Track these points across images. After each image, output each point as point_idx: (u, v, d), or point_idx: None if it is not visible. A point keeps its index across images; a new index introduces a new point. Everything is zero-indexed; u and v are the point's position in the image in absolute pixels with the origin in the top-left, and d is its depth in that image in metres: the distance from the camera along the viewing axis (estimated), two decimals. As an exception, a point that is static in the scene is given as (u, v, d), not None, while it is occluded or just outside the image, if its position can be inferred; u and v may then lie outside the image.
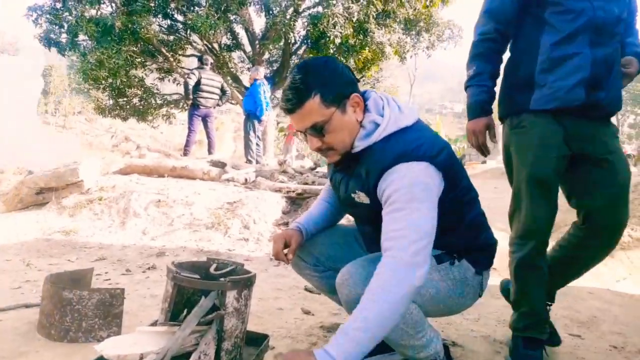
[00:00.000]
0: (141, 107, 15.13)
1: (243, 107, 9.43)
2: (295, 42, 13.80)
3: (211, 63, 9.59)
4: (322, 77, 1.44)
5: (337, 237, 1.84)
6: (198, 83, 8.46)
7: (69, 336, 1.96)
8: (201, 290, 1.59)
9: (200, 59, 9.07)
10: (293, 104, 1.43)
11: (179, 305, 1.62)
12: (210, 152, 9.07)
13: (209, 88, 8.65)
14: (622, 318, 2.84)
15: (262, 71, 9.53)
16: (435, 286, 1.52)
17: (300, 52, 14.77)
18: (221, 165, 5.78)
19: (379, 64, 14.64)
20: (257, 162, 8.86)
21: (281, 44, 13.91)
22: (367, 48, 12.98)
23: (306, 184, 4.99)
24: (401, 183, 1.38)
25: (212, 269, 1.74)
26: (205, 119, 8.88)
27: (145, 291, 2.74)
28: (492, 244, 1.68)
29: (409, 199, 1.36)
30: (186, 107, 16.50)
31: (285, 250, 1.72)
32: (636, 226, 4.22)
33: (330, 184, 1.87)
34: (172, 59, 14.15)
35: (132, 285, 2.84)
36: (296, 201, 4.55)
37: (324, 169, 6.85)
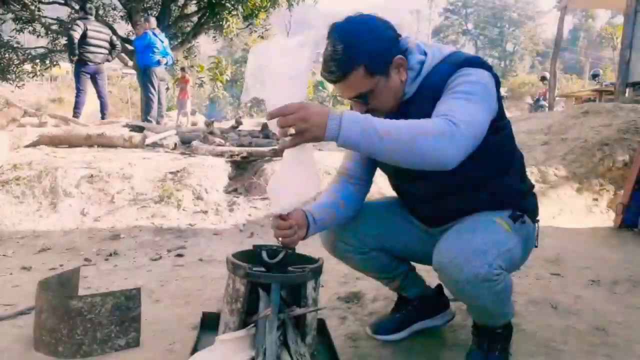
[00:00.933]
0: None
1: (137, 62, 8.66)
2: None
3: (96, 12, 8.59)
4: (364, 46, 1.37)
5: (377, 214, 1.74)
6: (84, 36, 7.52)
7: (82, 351, 1.71)
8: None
9: (83, 8, 8.04)
10: (336, 76, 1.40)
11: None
12: (103, 115, 8.24)
13: (96, 41, 7.75)
14: (581, 252, 3.16)
15: (154, 21, 8.78)
16: (518, 250, 1.52)
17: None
18: (139, 129, 5.27)
19: (269, 10, 14.23)
20: (158, 122, 8.27)
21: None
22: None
23: (242, 145, 4.75)
24: (466, 78, 1.36)
25: (265, 257, 1.59)
26: (94, 77, 7.98)
27: (124, 282, 2.46)
28: (533, 186, 1.72)
29: (472, 90, 1.33)
30: (55, 63, 14.96)
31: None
32: (559, 165, 4.68)
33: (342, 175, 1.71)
34: (32, 7, 12.46)
35: (105, 278, 2.53)
36: (241, 165, 4.32)
37: (245, 128, 6.58)
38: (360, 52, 1.36)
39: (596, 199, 4.47)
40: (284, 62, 1.26)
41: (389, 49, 1.43)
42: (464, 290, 1.37)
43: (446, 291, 1.93)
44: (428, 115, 1.32)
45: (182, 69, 15.29)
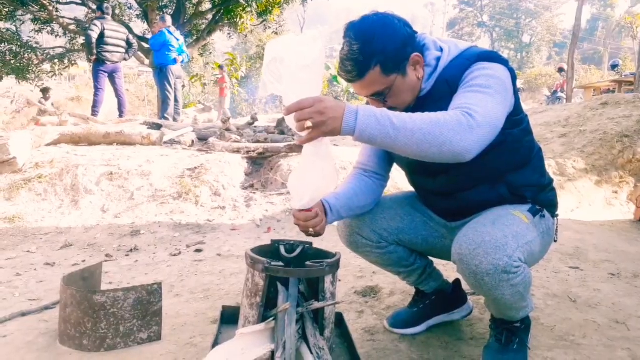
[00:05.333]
0: (19, 64, 13.44)
1: (154, 61, 8.72)
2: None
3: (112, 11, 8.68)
4: (380, 45, 1.37)
5: (395, 209, 1.73)
6: (101, 35, 7.63)
7: (106, 344, 1.73)
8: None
9: (100, 8, 8.12)
10: (353, 76, 1.41)
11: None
12: (121, 113, 8.34)
13: (114, 41, 7.87)
14: (600, 246, 3.12)
15: (170, 20, 8.82)
16: (537, 243, 1.49)
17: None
18: (156, 126, 5.32)
19: (283, 7, 14.22)
20: (175, 119, 8.34)
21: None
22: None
23: (258, 141, 4.77)
24: (481, 72, 1.36)
25: (283, 252, 1.61)
26: (112, 76, 8.11)
27: (145, 278, 2.49)
28: (552, 180, 1.70)
29: (487, 84, 1.33)
30: (73, 62, 15.12)
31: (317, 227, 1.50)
32: (578, 158, 4.60)
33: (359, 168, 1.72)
34: (50, 7, 12.59)
35: (126, 273, 2.57)
36: (257, 161, 4.34)
37: (261, 124, 6.59)
38: (377, 51, 1.36)
39: (616, 192, 4.39)
40: (297, 57, 1.25)
41: (405, 47, 1.42)
42: (483, 282, 1.34)
43: (464, 285, 1.92)
44: (445, 109, 1.31)
45: (221, 67, 15.10)
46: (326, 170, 1.36)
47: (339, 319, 1.74)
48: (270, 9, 13.63)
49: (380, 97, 1.44)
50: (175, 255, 2.86)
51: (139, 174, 3.81)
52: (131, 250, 2.96)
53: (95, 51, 7.61)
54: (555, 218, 1.66)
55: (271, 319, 1.42)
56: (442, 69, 1.45)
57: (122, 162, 3.97)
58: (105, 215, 3.48)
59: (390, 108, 1.45)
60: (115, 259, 2.83)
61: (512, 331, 1.57)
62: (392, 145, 1.21)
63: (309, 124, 1.17)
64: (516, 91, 1.47)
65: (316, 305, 1.40)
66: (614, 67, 15.26)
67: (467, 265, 1.35)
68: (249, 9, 13.24)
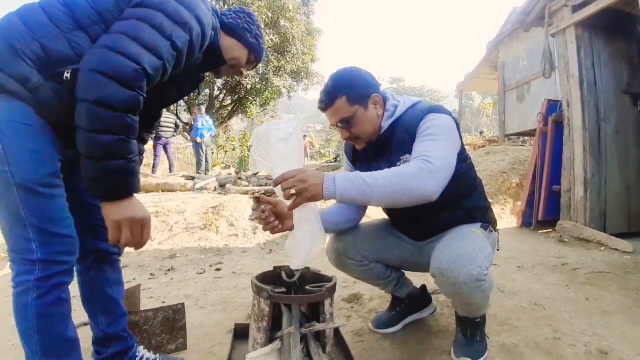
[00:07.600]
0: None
1: (192, 136, 8.37)
2: (219, 90, 12.83)
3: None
4: (347, 82, 1.16)
5: (373, 233, 1.39)
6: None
7: (138, 358, 1.27)
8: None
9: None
10: (326, 103, 1.18)
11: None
12: (170, 171, 7.90)
13: (165, 124, 7.54)
14: (504, 246, 2.77)
15: (203, 109, 8.59)
16: (491, 253, 1.19)
17: (222, 96, 13.74)
18: (191, 178, 4.87)
19: (277, 101, 14.20)
20: (205, 173, 7.90)
21: (207, 91, 12.80)
22: (267, 90, 12.59)
23: (260, 186, 4.37)
24: (433, 122, 1.11)
25: (285, 277, 1.20)
26: (165, 147, 7.76)
27: (177, 292, 2.02)
28: (490, 203, 1.41)
29: (439, 132, 1.08)
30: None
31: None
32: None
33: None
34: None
35: (164, 289, 2.09)
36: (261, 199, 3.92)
37: (263, 174, 6.20)
38: (344, 85, 1.15)
39: (503, 209, 4.14)
40: (277, 133, 0.97)
41: (368, 88, 1.17)
42: (461, 290, 1.03)
43: (429, 289, 1.59)
44: (403, 142, 1.14)
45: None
46: (314, 233, 1.02)
47: (336, 329, 1.32)
48: (269, 102, 13.57)
49: (346, 125, 1.17)
50: (200, 273, 2.38)
51: (176, 211, 3.33)
52: (169, 270, 2.47)
53: (153, 131, 7.21)
54: (497, 232, 1.33)
55: (277, 340, 1.00)
56: (399, 115, 1.19)
57: (166, 204, 3.49)
58: (152, 243, 2.97)
59: (355, 137, 1.19)
60: (157, 277, 2.33)
61: (474, 326, 1.23)
62: (369, 201, 0.93)
63: (293, 191, 0.92)
64: (460, 135, 1.18)
65: (318, 327, 1.00)
66: (481, 133, 15.63)
67: (447, 277, 1.02)
68: (254, 103, 13.12)
